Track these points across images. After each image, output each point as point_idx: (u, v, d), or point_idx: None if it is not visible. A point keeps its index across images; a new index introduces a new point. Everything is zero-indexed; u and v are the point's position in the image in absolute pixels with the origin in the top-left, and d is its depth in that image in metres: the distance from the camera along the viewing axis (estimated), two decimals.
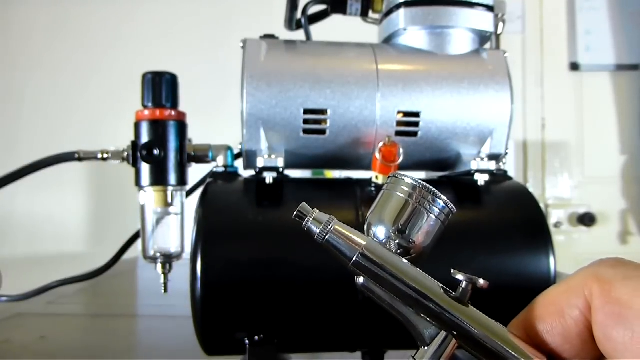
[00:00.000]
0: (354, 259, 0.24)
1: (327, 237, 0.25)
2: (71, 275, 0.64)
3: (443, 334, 0.23)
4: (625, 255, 0.22)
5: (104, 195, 1.84)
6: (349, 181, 0.54)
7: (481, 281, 0.23)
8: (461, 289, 0.23)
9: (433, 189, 0.24)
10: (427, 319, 0.23)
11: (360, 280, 0.25)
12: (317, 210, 0.25)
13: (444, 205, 0.25)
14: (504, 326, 0.23)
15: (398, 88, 0.52)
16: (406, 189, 0.25)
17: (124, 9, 1.85)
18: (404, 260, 0.24)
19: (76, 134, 1.77)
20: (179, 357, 0.66)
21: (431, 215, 0.24)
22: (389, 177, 0.26)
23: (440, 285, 0.24)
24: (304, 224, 0.25)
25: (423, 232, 0.24)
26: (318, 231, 0.25)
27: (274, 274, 0.46)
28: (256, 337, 0.46)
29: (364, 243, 0.24)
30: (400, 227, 0.24)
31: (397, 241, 0.24)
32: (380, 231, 0.25)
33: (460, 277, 0.23)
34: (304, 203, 0.25)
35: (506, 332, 0.23)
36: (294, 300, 0.46)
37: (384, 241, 0.25)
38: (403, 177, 0.25)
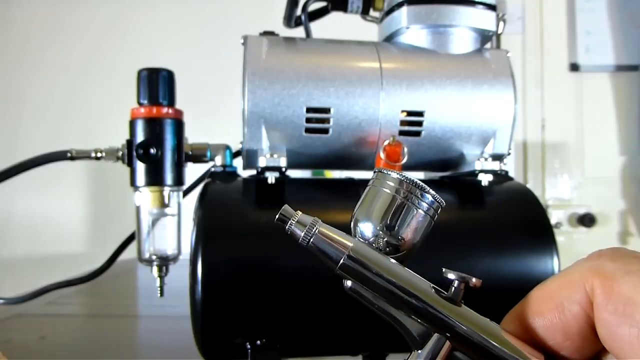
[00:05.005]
0: (341, 261, 0.23)
1: (311, 240, 0.24)
2: (69, 277, 0.63)
3: (436, 336, 0.22)
4: None
5: (104, 195, 1.84)
6: (351, 181, 0.54)
7: (474, 280, 0.22)
8: (453, 288, 0.22)
9: (421, 183, 0.23)
10: (419, 320, 0.23)
11: (348, 283, 0.24)
12: (300, 212, 0.24)
13: (432, 199, 0.23)
14: (498, 325, 0.22)
15: (402, 87, 0.51)
16: (392, 184, 0.23)
17: (124, 9, 1.84)
18: (393, 261, 0.23)
19: (76, 133, 1.76)
20: (179, 357, 0.65)
21: (420, 210, 0.23)
22: (374, 172, 0.25)
23: (432, 285, 0.23)
24: (287, 227, 0.24)
25: (412, 228, 0.23)
26: (302, 234, 0.24)
27: (276, 276, 0.45)
28: (258, 342, 0.45)
29: (350, 245, 0.23)
30: (388, 224, 0.23)
31: (386, 239, 0.23)
32: (367, 229, 0.24)
33: (451, 276, 0.22)
34: (286, 205, 0.24)
35: (501, 331, 0.22)
36: (296, 304, 0.46)
37: (371, 239, 0.24)
38: (389, 172, 0.24)
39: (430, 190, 0.23)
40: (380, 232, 0.23)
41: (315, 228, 0.24)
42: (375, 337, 0.48)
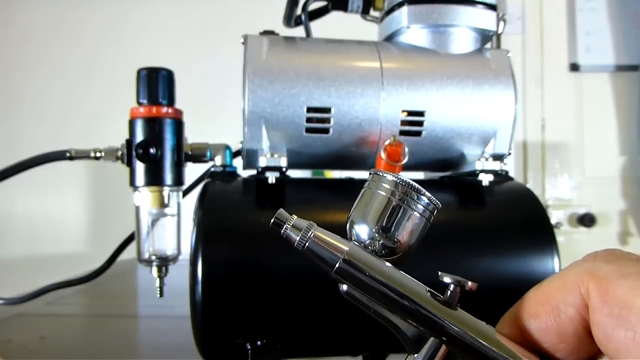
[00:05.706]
0: (337, 266, 0.23)
1: (307, 244, 0.23)
2: (69, 277, 0.63)
3: (432, 339, 0.22)
4: None
5: (104, 195, 1.84)
6: (351, 181, 0.54)
7: (469, 283, 0.22)
8: (449, 292, 0.22)
9: (417, 186, 0.23)
10: (415, 324, 0.23)
11: (344, 287, 0.24)
12: (296, 216, 0.24)
13: (428, 201, 0.24)
14: (494, 328, 0.22)
15: (402, 87, 0.51)
16: (388, 186, 0.24)
17: (124, 8, 1.84)
18: (389, 265, 0.23)
19: (77, 133, 1.76)
20: (179, 357, 0.65)
21: (415, 212, 0.23)
22: (369, 173, 0.25)
23: (428, 289, 0.23)
24: (282, 231, 0.24)
25: (408, 230, 0.23)
26: (297, 239, 0.24)
27: (277, 276, 0.45)
28: (258, 342, 0.45)
29: (346, 249, 0.23)
30: (383, 226, 0.23)
31: (382, 241, 0.23)
32: (363, 231, 0.24)
33: (447, 279, 0.22)
34: (282, 209, 0.24)
35: (496, 334, 0.22)
36: (296, 304, 0.46)
37: (367, 242, 0.24)
38: (384, 175, 0.24)
39: (426, 192, 0.23)
40: (376, 234, 0.23)
41: (310, 232, 0.24)
42: (375, 337, 0.48)
